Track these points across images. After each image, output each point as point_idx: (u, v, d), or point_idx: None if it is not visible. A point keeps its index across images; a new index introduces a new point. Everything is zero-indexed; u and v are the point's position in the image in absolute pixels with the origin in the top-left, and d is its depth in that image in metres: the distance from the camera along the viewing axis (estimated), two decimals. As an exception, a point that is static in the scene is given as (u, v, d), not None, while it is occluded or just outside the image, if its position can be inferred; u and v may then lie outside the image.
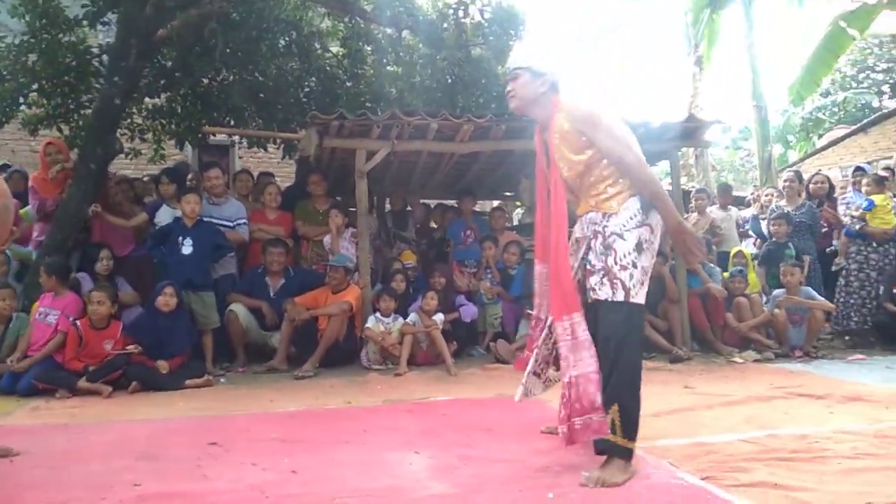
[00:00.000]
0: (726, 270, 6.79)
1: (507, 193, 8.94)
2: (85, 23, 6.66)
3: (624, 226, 2.72)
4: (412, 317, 5.69)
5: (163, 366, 4.82)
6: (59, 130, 6.96)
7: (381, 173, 6.90)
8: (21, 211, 5.89)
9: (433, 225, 7.81)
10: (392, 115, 5.71)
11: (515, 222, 9.06)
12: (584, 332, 2.70)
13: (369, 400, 4.28)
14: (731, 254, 6.95)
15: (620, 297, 2.66)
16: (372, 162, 5.95)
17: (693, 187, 9.64)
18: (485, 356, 6.09)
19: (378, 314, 5.67)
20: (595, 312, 2.76)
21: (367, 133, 5.86)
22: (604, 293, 2.69)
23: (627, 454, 2.61)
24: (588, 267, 2.80)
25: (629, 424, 2.62)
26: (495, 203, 9.52)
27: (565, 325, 2.73)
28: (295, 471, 2.74)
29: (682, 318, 6.21)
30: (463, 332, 6.16)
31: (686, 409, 3.84)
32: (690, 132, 6.45)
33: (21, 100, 6.68)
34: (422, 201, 8.12)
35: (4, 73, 6.52)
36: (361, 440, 3.22)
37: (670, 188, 6.76)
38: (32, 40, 6.49)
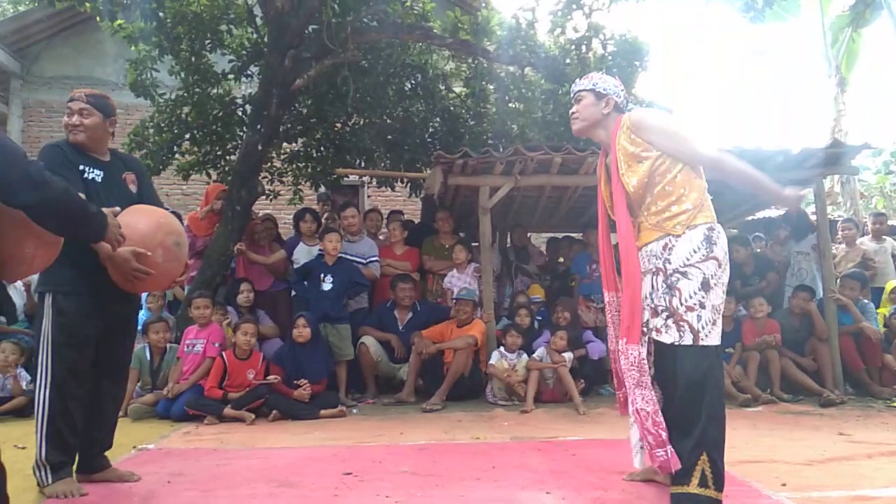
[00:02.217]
0: (880, 307, 6.23)
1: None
2: (231, 76, 7.29)
3: (687, 260, 2.57)
4: (539, 352, 5.63)
5: (304, 386, 5.03)
6: (208, 175, 7.58)
7: (505, 208, 6.94)
8: None
9: (560, 260, 7.73)
10: (515, 150, 5.75)
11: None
12: (645, 368, 2.62)
13: (497, 436, 4.25)
14: (887, 289, 6.38)
15: (688, 340, 2.53)
16: (495, 198, 6.01)
17: (839, 217, 8.96)
18: (615, 395, 5.88)
19: (502, 349, 5.66)
20: (659, 354, 2.65)
21: (491, 170, 5.94)
22: (670, 336, 2.56)
23: None
24: (651, 306, 2.67)
25: (718, 475, 2.48)
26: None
27: (633, 353, 2.63)
28: (428, 505, 2.76)
29: (833, 359, 5.75)
30: (590, 370, 6.01)
31: (842, 458, 3.53)
32: (835, 158, 6.03)
33: (175, 148, 7.36)
34: (549, 235, 8.10)
35: (162, 125, 7.21)
36: (492, 477, 3.20)
37: (815, 217, 6.35)
38: (185, 95, 7.17)
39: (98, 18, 6.70)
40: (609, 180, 2.87)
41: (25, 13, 10.69)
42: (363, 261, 6.20)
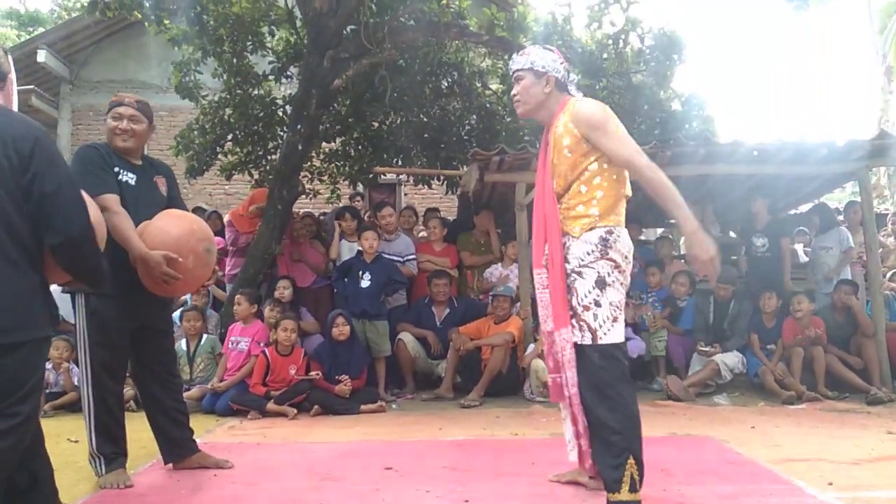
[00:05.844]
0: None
1: (673, 221, 8.60)
2: (271, 77, 7.41)
3: (581, 261, 2.57)
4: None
5: (345, 382, 5.11)
6: (250, 175, 7.72)
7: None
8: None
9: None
10: (552, 146, 5.73)
11: (683, 251, 8.64)
12: (571, 353, 2.60)
13: (536, 432, 4.27)
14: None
15: (588, 339, 2.54)
16: (532, 194, 5.98)
17: (886, 210, 8.72)
18: (657, 392, 5.83)
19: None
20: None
21: (528, 166, 5.92)
22: (575, 336, 2.58)
23: None
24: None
25: (642, 475, 2.52)
26: (660, 231, 9.19)
27: (566, 336, 2.61)
28: (468, 500, 2.80)
29: (880, 355, 5.60)
30: (630, 367, 5.95)
31: (891, 457, 3.47)
32: (881, 150, 5.87)
33: (218, 149, 7.52)
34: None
35: (206, 126, 7.37)
36: (531, 472, 3.22)
37: (861, 211, 6.19)
38: (228, 96, 7.32)
39: (146, 24, 6.88)
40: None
41: (74, 20, 11.03)
42: (400, 259, 6.27)
